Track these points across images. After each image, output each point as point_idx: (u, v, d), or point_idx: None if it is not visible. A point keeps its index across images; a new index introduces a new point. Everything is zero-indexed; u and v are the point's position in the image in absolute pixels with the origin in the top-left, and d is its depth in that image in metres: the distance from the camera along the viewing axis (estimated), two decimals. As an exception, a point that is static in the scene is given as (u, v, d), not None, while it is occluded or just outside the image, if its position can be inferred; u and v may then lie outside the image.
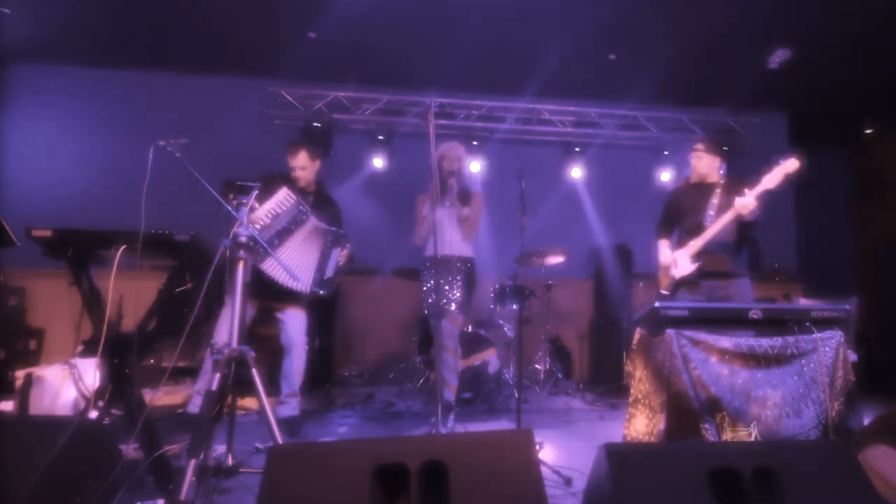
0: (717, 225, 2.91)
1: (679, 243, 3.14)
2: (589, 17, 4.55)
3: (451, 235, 3.47)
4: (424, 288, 3.51)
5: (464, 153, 3.59)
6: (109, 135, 5.33)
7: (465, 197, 3.48)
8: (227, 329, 3.00)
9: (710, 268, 3.00)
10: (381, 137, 5.75)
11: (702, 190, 3.11)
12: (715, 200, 3.01)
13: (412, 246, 3.60)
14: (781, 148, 6.50)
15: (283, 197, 2.61)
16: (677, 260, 3.10)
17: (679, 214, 3.21)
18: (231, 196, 2.13)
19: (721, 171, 3.17)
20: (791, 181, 2.73)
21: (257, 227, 2.45)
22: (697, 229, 3.00)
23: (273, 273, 2.66)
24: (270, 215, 2.55)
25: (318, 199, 3.25)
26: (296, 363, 3.15)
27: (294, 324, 3.16)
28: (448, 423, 3.19)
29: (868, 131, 6.70)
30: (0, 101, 5.27)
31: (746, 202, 2.75)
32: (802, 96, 5.84)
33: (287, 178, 3.14)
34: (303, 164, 3.20)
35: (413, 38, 4.93)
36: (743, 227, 2.95)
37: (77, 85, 5.44)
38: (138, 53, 5.25)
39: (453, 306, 3.45)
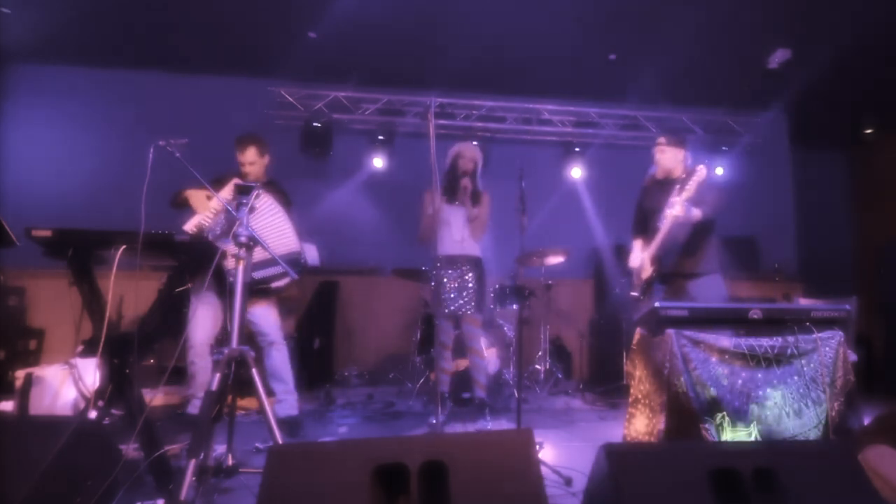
0: (663, 229, 2.85)
1: (647, 244, 3.08)
2: (589, 16, 4.55)
3: (461, 234, 3.52)
4: (432, 286, 3.51)
5: (480, 155, 3.63)
6: (109, 135, 5.31)
7: (476, 197, 3.52)
8: (202, 328, 3.00)
9: (670, 269, 2.96)
10: (381, 137, 5.74)
11: (663, 188, 3.02)
12: (674, 199, 2.89)
13: (414, 244, 3.61)
14: (781, 148, 6.52)
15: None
16: (643, 262, 3.07)
17: (644, 214, 3.16)
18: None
19: (687, 164, 3.11)
20: (723, 179, 2.73)
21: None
22: (655, 230, 2.94)
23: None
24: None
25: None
26: (279, 360, 3.10)
27: (265, 324, 3.09)
28: (484, 420, 3.41)
29: (868, 131, 6.69)
30: (0, 101, 5.27)
31: (676, 209, 2.74)
32: (802, 96, 5.83)
33: (239, 175, 3.11)
34: (251, 160, 3.15)
35: (413, 39, 4.92)
36: (696, 228, 2.89)
37: (77, 85, 5.43)
38: (138, 53, 5.24)
39: (471, 308, 3.48)
